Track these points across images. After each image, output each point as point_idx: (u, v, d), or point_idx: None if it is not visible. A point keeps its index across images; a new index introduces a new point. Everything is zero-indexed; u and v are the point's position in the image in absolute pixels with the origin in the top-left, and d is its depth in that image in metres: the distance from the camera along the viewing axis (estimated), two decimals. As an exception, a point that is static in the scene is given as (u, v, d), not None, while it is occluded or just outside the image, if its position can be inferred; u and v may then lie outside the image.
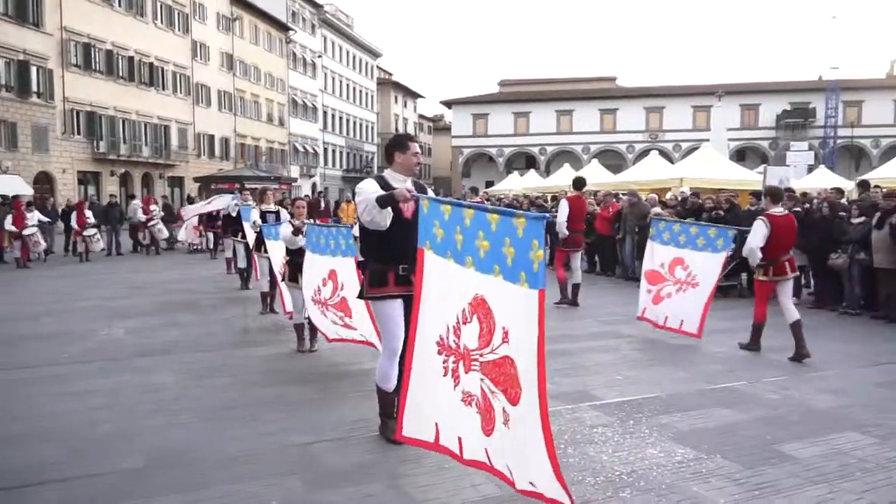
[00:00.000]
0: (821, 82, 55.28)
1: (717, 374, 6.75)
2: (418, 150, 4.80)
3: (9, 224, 17.36)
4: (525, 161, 58.05)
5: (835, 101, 52.28)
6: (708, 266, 8.14)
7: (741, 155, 53.28)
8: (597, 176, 25.68)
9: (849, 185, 19.90)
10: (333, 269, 6.51)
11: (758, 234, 7.45)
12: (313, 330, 7.50)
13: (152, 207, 21.95)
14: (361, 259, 4.91)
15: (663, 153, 40.73)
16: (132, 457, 4.53)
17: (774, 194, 7.92)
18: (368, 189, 4.45)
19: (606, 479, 4.17)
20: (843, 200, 12.58)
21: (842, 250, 10.57)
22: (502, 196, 26.23)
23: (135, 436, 4.94)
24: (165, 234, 21.79)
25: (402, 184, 4.50)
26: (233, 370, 6.86)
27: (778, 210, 7.70)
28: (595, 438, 4.89)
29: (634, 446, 4.74)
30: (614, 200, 14.71)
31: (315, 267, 6.72)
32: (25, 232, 17.72)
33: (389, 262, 4.62)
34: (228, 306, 10.98)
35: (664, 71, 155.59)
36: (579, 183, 11.17)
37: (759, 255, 7.48)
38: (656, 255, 8.73)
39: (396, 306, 4.67)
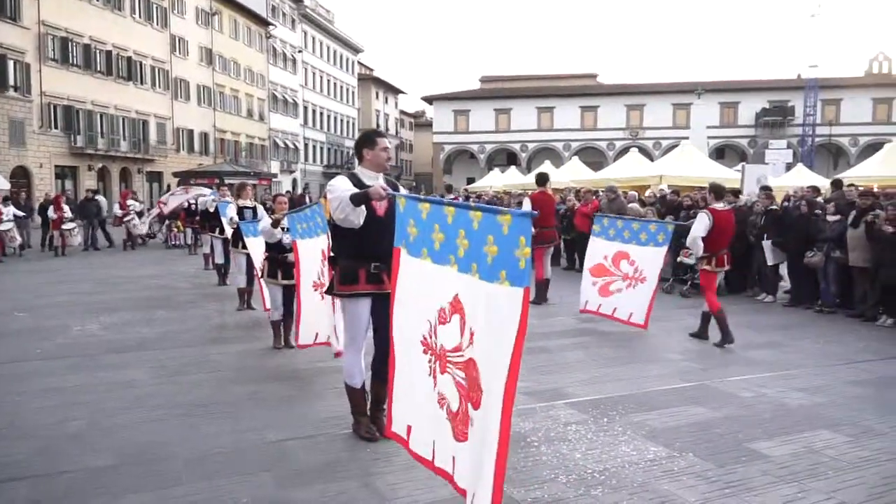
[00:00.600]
0: (800, 81, 55.76)
1: (692, 372, 6.80)
2: (387, 145, 4.75)
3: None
4: (506, 157, 58.10)
5: (813, 100, 52.70)
6: (652, 260, 8.62)
7: (720, 153, 53.67)
8: (577, 173, 25.81)
9: (826, 184, 20.09)
10: (323, 249, 6.46)
11: (701, 224, 7.95)
12: (287, 327, 7.48)
13: (129, 202, 21.84)
14: (332, 255, 4.85)
15: (643, 150, 41.05)
16: (104, 454, 4.49)
17: (717, 191, 8.39)
18: (341, 187, 4.41)
19: (579, 478, 4.19)
20: (819, 199, 12.68)
21: (817, 248, 10.66)
22: (482, 193, 26.28)
23: (107, 432, 4.90)
24: (142, 230, 21.74)
25: (374, 181, 4.47)
26: (208, 367, 6.82)
27: (720, 205, 8.15)
28: (569, 436, 4.91)
29: (607, 444, 4.76)
30: (594, 198, 14.74)
31: (310, 252, 6.64)
32: (1, 227, 17.52)
33: (361, 259, 4.57)
34: (205, 302, 10.90)
35: (645, 69, 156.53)
36: (542, 179, 11.36)
37: (702, 244, 7.94)
38: (599, 249, 9.16)
39: (365, 305, 4.65)
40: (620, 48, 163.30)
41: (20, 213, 19.33)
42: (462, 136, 61.48)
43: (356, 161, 4.82)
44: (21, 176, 31.75)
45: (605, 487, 4.06)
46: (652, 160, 32.96)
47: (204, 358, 7.17)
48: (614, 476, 4.22)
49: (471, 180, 47.93)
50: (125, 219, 21.32)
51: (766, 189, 12.76)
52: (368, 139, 4.74)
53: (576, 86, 63.66)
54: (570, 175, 24.95)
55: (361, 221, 4.36)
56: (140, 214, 22.34)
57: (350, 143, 67.90)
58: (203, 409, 5.43)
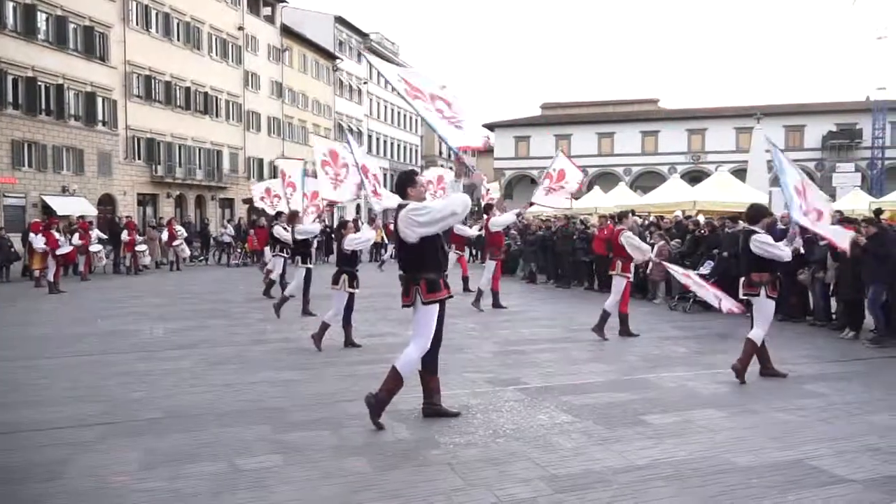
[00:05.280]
0: (868, 103, 55.13)
1: (638, 370, 7.99)
2: (424, 181, 6.11)
3: (76, 240, 19.32)
4: (566, 183, 59.10)
5: (882, 122, 52.17)
6: None
7: (784, 176, 53.31)
8: (626, 198, 26.86)
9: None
10: None
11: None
12: (319, 335, 9.06)
13: (177, 229, 24.51)
14: (405, 273, 5.64)
15: (706, 174, 41.50)
16: (155, 411, 6.21)
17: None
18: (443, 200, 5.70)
19: (493, 432, 5.61)
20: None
21: (808, 268, 11.76)
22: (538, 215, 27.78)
23: (158, 399, 6.61)
24: (187, 252, 24.91)
25: None
26: (241, 360, 8.52)
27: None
28: (503, 408, 6.32)
29: (529, 414, 6.14)
30: (609, 223, 15.99)
31: None
32: (91, 248, 20.01)
33: (441, 270, 5.72)
34: (253, 313, 12.68)
35: (708, 93, 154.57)
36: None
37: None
38: None
39: (437, 309, 5.66)
40: (682, 73, 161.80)
41: (104, 236, 21.94)
42: (523, 162, 62.90)
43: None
44: (107, 203, 34.92)
45: (508, 438, 5.46)
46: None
47: (240, 354, 8.90)
48: (520, 431, 5.62)
49: (531, 205, 49.15)
50: (173, 243, 23.89)
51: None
52: (411, 179, 5.69)
53: (636, 111, 64.41)
54: (619, 200, 25.90)
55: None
56: (188, 241, 25.38)
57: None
58: (229, 387, 7.10)
